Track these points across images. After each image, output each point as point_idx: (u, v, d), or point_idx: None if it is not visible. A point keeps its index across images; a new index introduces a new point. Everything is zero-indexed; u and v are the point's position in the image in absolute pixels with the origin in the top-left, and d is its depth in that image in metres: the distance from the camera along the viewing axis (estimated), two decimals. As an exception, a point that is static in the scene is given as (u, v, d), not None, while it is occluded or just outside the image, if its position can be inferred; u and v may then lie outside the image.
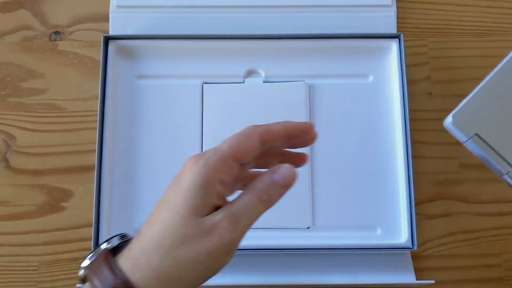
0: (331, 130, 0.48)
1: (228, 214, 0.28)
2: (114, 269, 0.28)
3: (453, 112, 0.36)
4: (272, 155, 0.32)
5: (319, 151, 0.47)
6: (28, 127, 0.49)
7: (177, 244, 0.27)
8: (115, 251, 0.31)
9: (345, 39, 0.49)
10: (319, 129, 0.47)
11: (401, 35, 0.47)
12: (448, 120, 0.37)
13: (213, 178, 0.28)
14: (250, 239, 0.45)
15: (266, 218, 0.47)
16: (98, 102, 0.46)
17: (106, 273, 0.28)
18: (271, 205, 0.29)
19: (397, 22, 0.51)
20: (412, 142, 0.46)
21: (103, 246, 0.31)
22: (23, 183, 0.48)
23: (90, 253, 0.30)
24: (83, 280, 0.30)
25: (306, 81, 0.48)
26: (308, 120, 0.47)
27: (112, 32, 0.50)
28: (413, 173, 0.46)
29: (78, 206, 0.48)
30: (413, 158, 0.47)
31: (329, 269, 0.46)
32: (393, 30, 0.50)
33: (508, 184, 0.36)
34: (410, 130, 0.46)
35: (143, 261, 0.27)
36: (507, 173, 0.36)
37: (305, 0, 0.50)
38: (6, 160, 0.49)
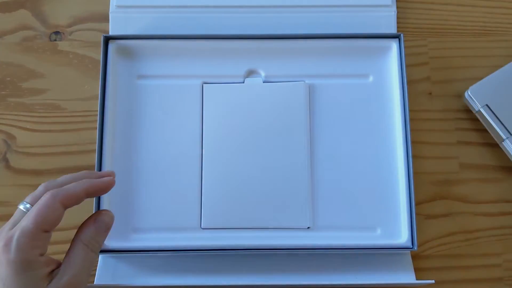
0: (331, 130, 0.48)
1: (67, 280, 0.30)
2: None
3: (472, 86, 0.47)
4: None
5: (319, 151, 0.47)
6: (28, 127, 0.49)
7: None
8: None
9: (345, 39, 0.49)
10: (319, 129, 0.48)
11: (401, 35, 0.47)
12: (467, 92, 0.47)
13: (31, 255, 0.29)
14: (250, 239, 0.45)
15: (266, 218, 0.47)
16: (98, 102, 0.46)
17: None
18: (99, 249, 0.33)
19: (397, 22, 0.51)
20: (412, 142, 0.46)
21: None
22: (23, 183, 0.48)
23: None
24: None
25: (306, 81, 0.48)
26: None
27: (112, 32, 0.50)
28: (413, 173, 0.46)
29: (78, 206, 0.48)
30: (413, 158, 0.47)
31: (329, 269, 0.46)
32: (393, 30, 0.50)
33: (506, 151, 0.46)
34: (410, 130, 0.46)
35: None
36: (507, 138, 0.46)
37: (305, 0, 0.50)
38: (6, 160, 0.49)
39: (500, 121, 0.46)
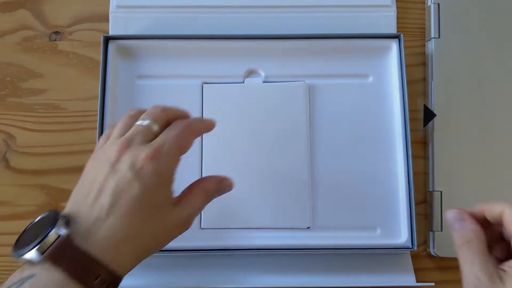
0: (331, 130, 0.48)
1: (187, 215, 0.34)
2: (85, 253, 0.29)
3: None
4: None
5: (319, 151, 0.47)
6: (28, 127, 0.49)
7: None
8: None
9: (345, 39, 0.49)
10: (319, 129, 0.48)
11: (401, 35, 0.47)
12: None
13: (173, 173, 0.32)
14: (250, 239, 0.45)
15: (266, 218, 0.47)
16: (98, 102, 0.46)
17: (79, 258, 0.28)
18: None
19: (397, 22, 0.51)
20: (412, 142, 0.46)
21: (54, 235, 0.29)
22: (23, 183, 0.48)
23: (36, 243, 0.29)
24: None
25: (306, 81, 0.48)
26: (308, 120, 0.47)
27: (112, 32, 0.50)
28: (413, 173, 0.46)
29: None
30: (413, 158, 0.47)
31: (329, 269, 0.46)
32: (393, 30, 0.50)
33: None
34: (410, 130, 0.46)
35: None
36: None
37: (305, 0, 0.50)
38: (6, 160, 0.49)
39: None
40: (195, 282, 0.45)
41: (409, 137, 0.46)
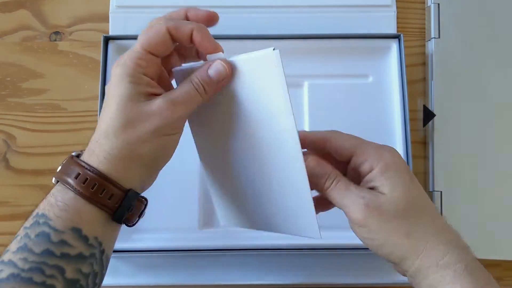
0: (331, 129, 0.47)
1: (167, 99, 0.31)
2: (80, 163, 0.31)
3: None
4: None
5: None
6: (28, 127, 0.49)
7: (122, 127, 0.31)
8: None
9: (345, 39, 0.48)
10: (319, 128, 0.47)
11: (401, 35, 0.47)
12: None
13: (134, 70, 0.31)
14: (250, 240, 0.45)
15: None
16: (98, 102, 0.46)
17: (73, 168, 0.31)
18: (206, 97, 0.32)
19: (397, 22, 0.51)
20: (412, 142, 0.46)
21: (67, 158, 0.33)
22: (23, 183, 0.48)
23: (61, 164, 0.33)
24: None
25: (306, 81, 0.48)
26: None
27: (112, 32, 0.50)
28: (413, 173, 0.46)
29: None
30: (413, 158, 0.47)
31: (329, 269, 0.46)
32: (393, 30, 0.50)
33: None
34: (410, 130, 0.46)
35: (97, 149, 0.31)
36: None
37: (305, 0, 0.50)
38: (6, 160, 0.49)
39: None
40: (194, 281, 0.45)
41: (409, 137, 0.46)
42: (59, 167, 0.32)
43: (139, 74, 0.31)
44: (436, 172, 0.48)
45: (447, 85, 0.49)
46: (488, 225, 0.47)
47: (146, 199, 0.33)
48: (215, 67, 0.32)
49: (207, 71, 0.32)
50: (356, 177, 0.33)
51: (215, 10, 0.51)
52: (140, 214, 0.33)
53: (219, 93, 0.33)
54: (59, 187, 0.31)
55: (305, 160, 0.32)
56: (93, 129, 0.46)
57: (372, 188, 0.32)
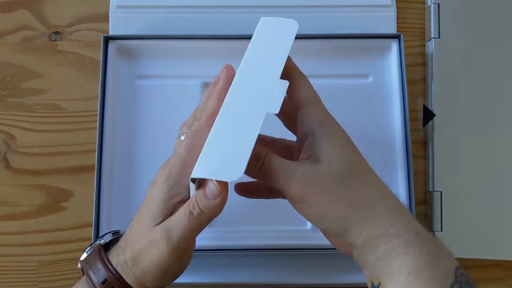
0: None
1: (163, 227, 0.30)
2: (106, 263, 0.31)
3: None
4: None
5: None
6: (28, 127, 0.49)
7: (133, 258, 0.31)
8: (108, 246, 0.34)
9: (345, 39, 0.48)
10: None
11: (401, 35, 0.47)
12: None
13: (177, 185, 0.30)
14: (250, 239, 0.45)
15: (266, 219, 0.47)
16: (98, 102, 0.46)
17: (99, 266, 0.31)
18: (204, 217, 0.29)
19: (397, 22, 0.51)
20: (412, 142, 0.46)
21: (98, 242, 0.34)
22: (23, 183, 0.48)
23: (87, 248, 0.34)
24: (82, 272, 0.33)
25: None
26: None
27: (112, 32, 0.50)
28: (413, 173, 0.46)
29: (78, 206, 0.48)
30: (413, 158, 0.47)
31: (329, 269, 0.46)
32: (393, 30, 0.50)
33: None
34: (410, 130, 0.46)
35: (122, 261, 0.31)
36: None
37: (305, 0, 0.50)
38: (6, 160, 0.49)
39: None
40: (194, 280, 0.45)
41: (409, 137, 0.46)
42: (85, 256, 0.34)
43: (180, 187, 0.31)
44: (436, 172, 0.48)
45: (447, 85, 0.49)
46: (488, 225, 0.47)
47: None
48: (208, 187, 0.29)
49: (202, 190, 0.29)
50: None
51: (215, 10, 0.51)
52: None
53: None
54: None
55: None
56: (93, 129, 0.47)
57: (308, 158, 0.30)
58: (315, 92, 0.33)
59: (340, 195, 0.28)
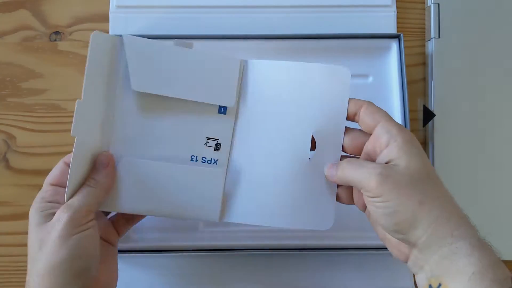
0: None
1: (62, 208, 0.35)
2: None
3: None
4: None
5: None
6: (28, 127, 0.49)
7: (37, 248, 0.33)
8: None
9: (345, 39, 0.49)
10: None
11: (401, 35, 0.47)
12: None
13: (38, 202, 0.35)
14: (251, 239, 0.45)
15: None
16: (98, 102, 0.46)
17: None
18: (99, 186, 0.36)
19: (397, 22, 0.51)
20: (412, 142, 0.46)
21: None
22: (23, 183, 0.48)
23: None
24: None
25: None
26: None
27: (112, 32, 0.50)
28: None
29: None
30: (413, 158, 0.47)
31: (329, 269, 0.46)
32: (393, 30, 0.50)
33: None
34: (410, 130, 0.46)
35: (29, 277, 0.34)
36: None
37: (305, 0, 0.50)
38: (6, 160, 0.49)
39: None
40: (194, 280, 0.45)
41: (409, 137, 0.46)
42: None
43: (43, 203, 0.35)
44: (436, 172, 0.48)
45: (447, 85, 0.49)
46: (488, 225, 0.47)
47: None
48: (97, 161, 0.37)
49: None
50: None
51: (215, 10, 0.51)
52: None
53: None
54: None
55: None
56: (93, 129, 0.47)
57: (387, 163, 0.33)
58: (378, 109, 0.36)
59: (412, 194, 0.31)
